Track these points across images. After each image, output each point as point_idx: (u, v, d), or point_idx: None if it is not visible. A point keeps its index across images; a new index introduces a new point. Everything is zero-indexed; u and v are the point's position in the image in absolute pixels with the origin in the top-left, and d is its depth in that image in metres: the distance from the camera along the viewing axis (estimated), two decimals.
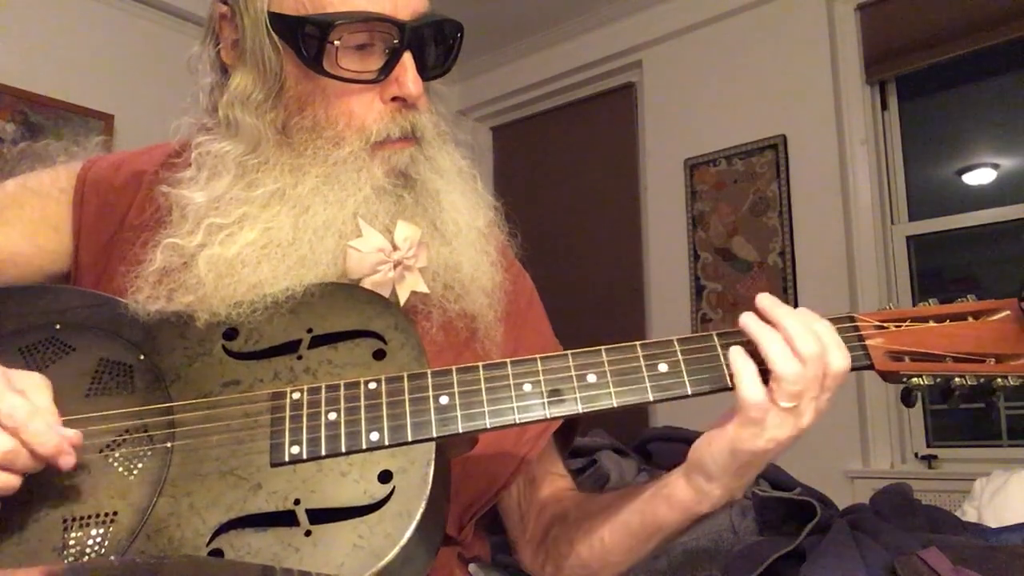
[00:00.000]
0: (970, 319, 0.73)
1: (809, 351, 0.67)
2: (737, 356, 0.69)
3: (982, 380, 0.70)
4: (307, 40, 0.76)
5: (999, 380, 0.70)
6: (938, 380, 0.71)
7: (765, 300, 0.70)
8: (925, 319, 0.73)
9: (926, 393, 0.71)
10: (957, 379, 0.70)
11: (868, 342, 0.71)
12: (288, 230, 0.78)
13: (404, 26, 0.77)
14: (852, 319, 0.73)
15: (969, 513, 1.75)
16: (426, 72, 0.82)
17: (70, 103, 3.09)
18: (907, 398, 0.72)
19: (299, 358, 0.73)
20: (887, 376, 0.72)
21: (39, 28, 3.05)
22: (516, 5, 3.81)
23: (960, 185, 3.18)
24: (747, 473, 0.72)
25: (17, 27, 2.98)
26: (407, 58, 0.78)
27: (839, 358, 0.68)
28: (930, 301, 0.75)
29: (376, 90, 0.80)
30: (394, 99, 0.80)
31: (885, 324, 0.73)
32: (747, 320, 0.70)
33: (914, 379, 0.71)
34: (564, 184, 4.03)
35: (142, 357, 0.75)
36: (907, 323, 0.72)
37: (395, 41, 0.77)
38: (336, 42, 0.76)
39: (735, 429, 0.69)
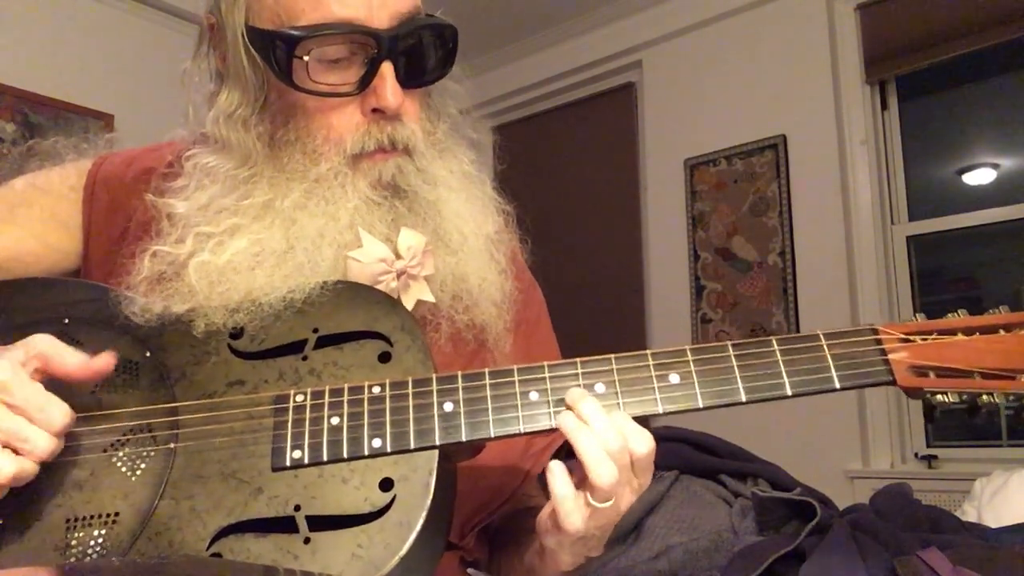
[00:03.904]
0: (1001, 332, 0.69)
1: (614, 446, 0.65)
2: (559, 477, 0.66)
3: (1012, 398, 0.67)
4: (278, 55, 0.75)
5: None
6: (964, 397, 0.68)
7: (574, 392, 0.68)
8: (953, 331, 0.69)
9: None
10: (984, 397, 0.67)
11: (891, 356, 0.68)
12: (280, 239, 0.77)
13: (380, 36, 0.75)
14: (875, 331, 0.70)
15: (969, 513, 1.75)
16: (415, 79, 0.80)
17: (70, 103, 3.09)
18: (930, 414, 0.69)
19: (304, 359, 0.73)
20: (910, 392, 0.69)
21: (39, 28, 3.04)
22: (516, 5, 3.81)
23: (960, 185, 3.18)
24: (588, 545, 0.71)
25: (17, 27, 2.98)
26: (385, 68, 0.76)
27: (641, 443, 0.66)
28: (959, 312, 0.71)
29: (357, 102, 0.78)
30: (374, 110, 0.78)
31: (910, 337, 0.69)
32: (565, 421, 0.67)
33: (939, 396, 0.68)
34: (564, 184, 4.04)
35: (148, 354, 0.74)
36: (933, 336, 0.69)
37: (373, 51, 0.76)
38: (305, 57, 0.75)
39: (558, 534, 0.68)
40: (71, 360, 0.67)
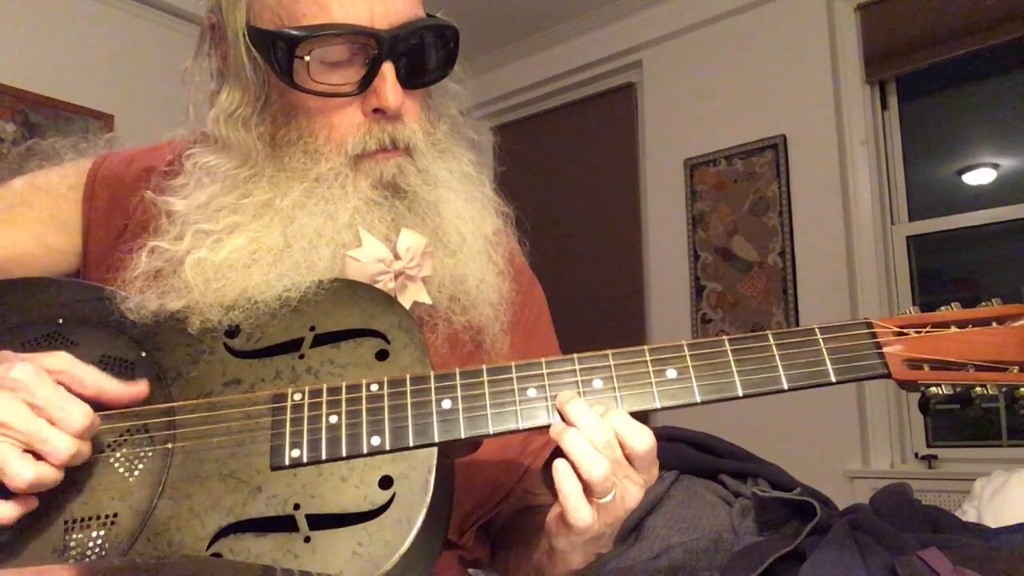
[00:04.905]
0: (994, 324, 0.70)
1: (600, 439, 0.65)
2: (563, 474, 0.65)
3: (1005, 390, 0.68)
4: (279, 55, 0.75)
5: (1023, 390, 0.67)
6: (958, 389, 0.68)
7: (563, 395, 0.68)
8: (946, 324, 0.70)
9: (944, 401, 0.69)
10: (978, 388, 0.68)
11: (886, 349, 0.69)
12: (278, 238, 0.77)
13: (381, 36, 0.75)
14: (869, 325, 0.70)
15: (969, 513, 1.74)
16: (416, 79, 0.80)
17: (70, 103, 3.09)
18: (925, 407, 0.69)
19: (301, 357, 0.73)
20: (905, 385, 0.69)
21: (39, 28, 3.05)
22: (516, 5, 3.81)
23: (960, 185, 3.18)
24: (599, 543, 0.71)
25: (17, 27, 2.98)
26: (386, 68, 0.76)
27: (639, 440, 0.66)
28: (952, 305, 0.71)
29: (358, 102, 0.78)
30: (375, 111, 0.78)
31: (905, 330, 0.70)
32: (553, 427, 0.67)
33: (932, 388, 0.68)
34: (564, 184, 4.04)
35: (144, 354, 0.74)
36: (927, 328, 0.70)
37: (374, 52, 0.76)
38: (306, 57, 0.75)
39: (569, 534, 0.67)
40: (108, 385, 0.69)
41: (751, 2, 3.42)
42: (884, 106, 3.25)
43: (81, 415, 0.64)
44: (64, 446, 0.63)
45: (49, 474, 0.63)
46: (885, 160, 3.20)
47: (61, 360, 0.68)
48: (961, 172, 3.18)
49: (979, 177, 3.14)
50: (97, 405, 0.68)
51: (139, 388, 0.71)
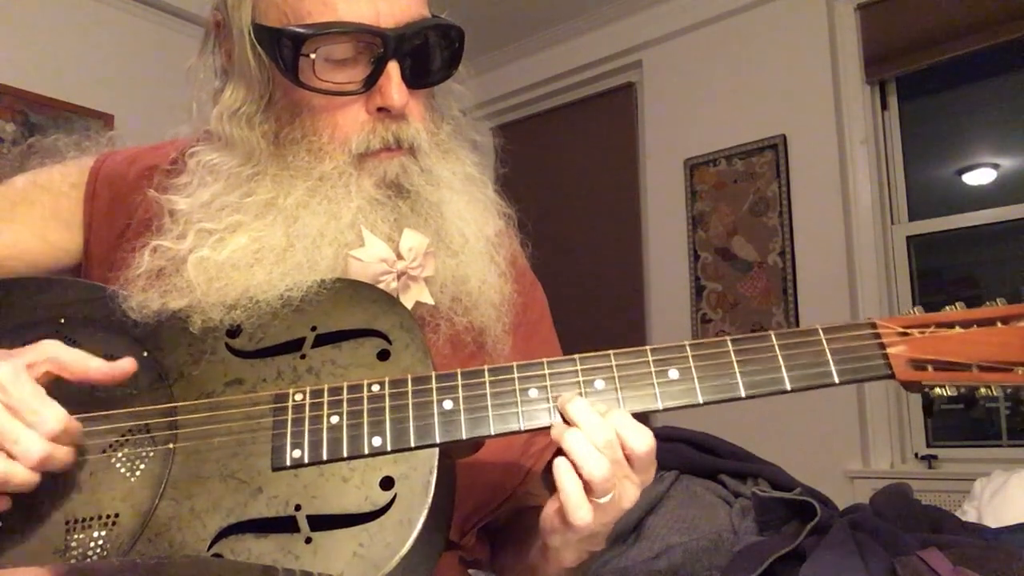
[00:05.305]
0: (999, 324, 0.69)
1: (601, 440, 0.65)
2: (564, 473, 0.65)
3: (1009, 391, 0.67)
4: (284, 53, 0.75)
5: None
6: (962, 390, 0.68)
7: (564, 396, 0.68)
8: (951, 324, 0.69)
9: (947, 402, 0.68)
10: (983, 389, 0.67)
11: (890, 350, 0.68)
12: (280, 237, 0.77)
13: (387, 35, 0.75)
14: (873, 325, 0.69)
15: (969, 513, 1.75)
16: (420, 79, 0.80)
17: (70, 103, 3.09)
18: (929, 409, 0.70)
19: (303, 357, 0.73)
20: (909, 386, 0.69)
21: (39, 28, 3.04)
22: (516, 5, 3.81)
23: (960, 185, 3.18)
24: (592, 542, 0.71)
25: (17, 27, 2.98)
26: (391, 67, 0.76)
27: (639, 441, 0.66)
28: (957, 305, 0.71)
29: (362, 101, 0.78)
30: (380, 110, 0.78)
31: (908, 330, 0.69)
32: (554, 428, 0.67)
33: (936, 389, 0.68)
34: (564, 184, 4.04)
35: (145, 354, 0.74)
36: (931, 329, 0.69)
37: (379, 51, 0.76)
38: (312, 55, 0.75)
39: (565, 532, 0.67)
40: (93, 364, 0.68)
41: (751, 2, 3.42)
42: (884, 106, 3.25)
43: (55, 419, 0.64)
44: (35, 448, 0.63)
45: (19, 474, 0.62)
46: (885, 160, 3.20)
47: (44, 350, 0.68)
48: (961, 172, 3.18)
49: (979, 177, 3.14)
50: (91, 396, 0.68)
51: (124, 366, 0.69)
